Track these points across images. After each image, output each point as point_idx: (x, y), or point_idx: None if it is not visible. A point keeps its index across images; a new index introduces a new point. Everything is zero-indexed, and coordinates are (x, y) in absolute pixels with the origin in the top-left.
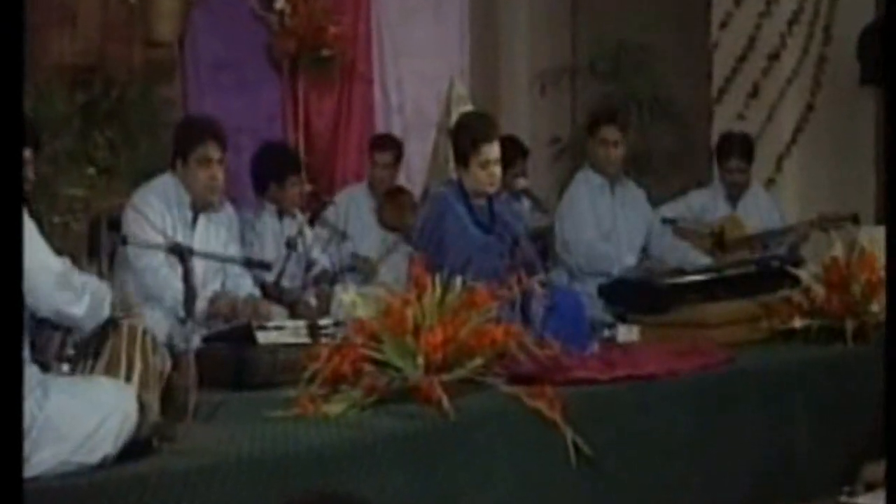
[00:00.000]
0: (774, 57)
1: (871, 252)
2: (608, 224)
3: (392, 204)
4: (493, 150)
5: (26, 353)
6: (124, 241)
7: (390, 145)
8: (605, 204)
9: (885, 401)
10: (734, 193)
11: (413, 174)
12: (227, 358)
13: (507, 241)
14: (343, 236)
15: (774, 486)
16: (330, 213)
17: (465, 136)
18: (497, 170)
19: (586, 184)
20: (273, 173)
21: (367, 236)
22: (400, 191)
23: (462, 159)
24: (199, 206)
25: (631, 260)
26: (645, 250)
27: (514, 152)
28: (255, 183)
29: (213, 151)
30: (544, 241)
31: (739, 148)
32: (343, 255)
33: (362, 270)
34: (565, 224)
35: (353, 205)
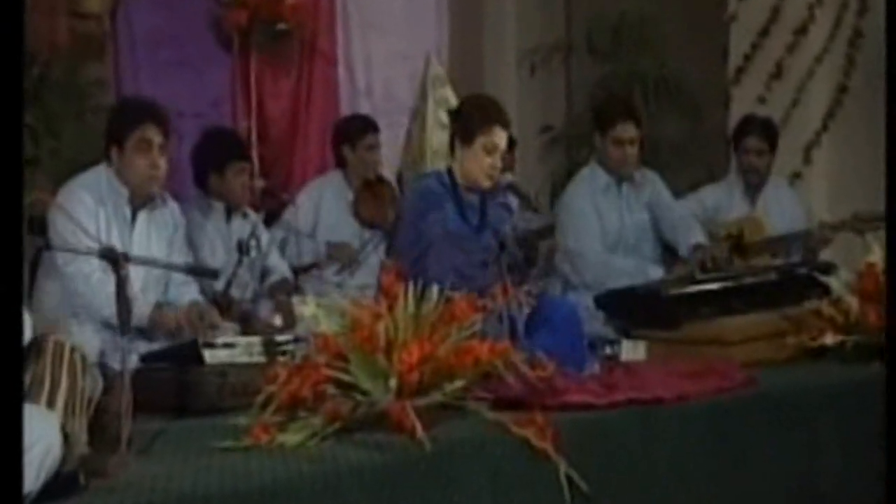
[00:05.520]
0: (801, 31)
1: None
2: (615, 231)
3: (371, 195)
4: (504, 137)
5: None
6: (48, 246)
7: (375, 126)
8: (611, 207)
9: (886, 407)
10: (752, 183)
11: (381, 166)
12: (168, 379)
13: (493, 245)
14: (310, 238)
15: None
16: (290, 215)
17: (476, 113)
18: (499, 162)
19: (590, 183)
20: (211, 160)
21: (341, 232)
22: (380, 181)
23: (465, 138)
24: (138, 202)
25: (657, 272)
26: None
27: None
28: (194, 175)
29: (154, 135)
30: (535, 245)
31: (758, 127)
32: (318, 244)
33: (341, 259)
34: (568, 232)
35: (327, 195)
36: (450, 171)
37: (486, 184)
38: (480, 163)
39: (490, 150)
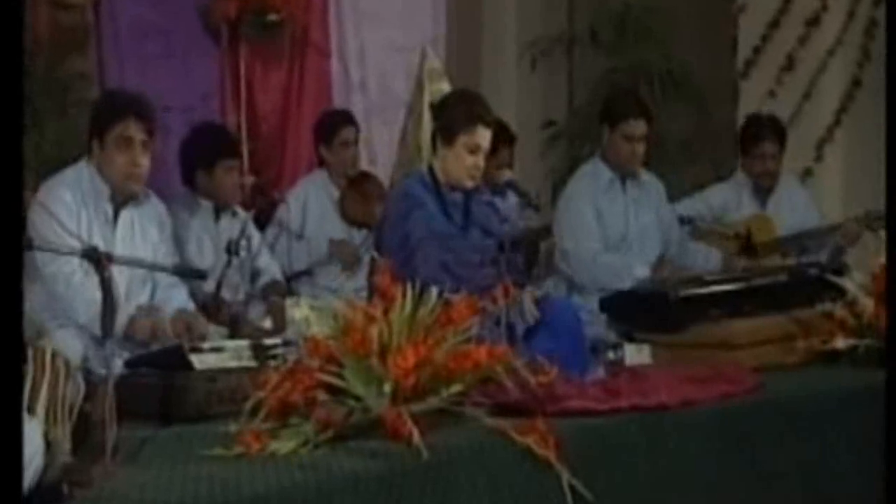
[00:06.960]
0: (814, 22)
1: None
2: (618, 230)
3: (357, 193)
4: (487, 137)
5: None
6: (29, 246)
7: (349, 119)
8: (614, 205)
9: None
10: (763, 186)
11: (377, 163)
12: (154, 385)
13: (488, 245)
14: (299, 239)
15: None
16: (282, 214)
17: (459, 110)
18: (482, 162)
19: (593, 180)
20: (199, 157)
21: (329, 234)
22: (365, 177)
23: (447, 138)
24: (120, 200)
25: (643, 271)
26: (661, 256)
27: (498, 138)
28: (181, 172)
29: (136, 131)
30: (534, 245)
31: (770, 130)
32: (309, 247)
33: (344, 257)
34: (564, 231)
35: (312, 195)
36: (431, 170)
37: (469, 184)
38: (463, 162)
39: (472, 150)
